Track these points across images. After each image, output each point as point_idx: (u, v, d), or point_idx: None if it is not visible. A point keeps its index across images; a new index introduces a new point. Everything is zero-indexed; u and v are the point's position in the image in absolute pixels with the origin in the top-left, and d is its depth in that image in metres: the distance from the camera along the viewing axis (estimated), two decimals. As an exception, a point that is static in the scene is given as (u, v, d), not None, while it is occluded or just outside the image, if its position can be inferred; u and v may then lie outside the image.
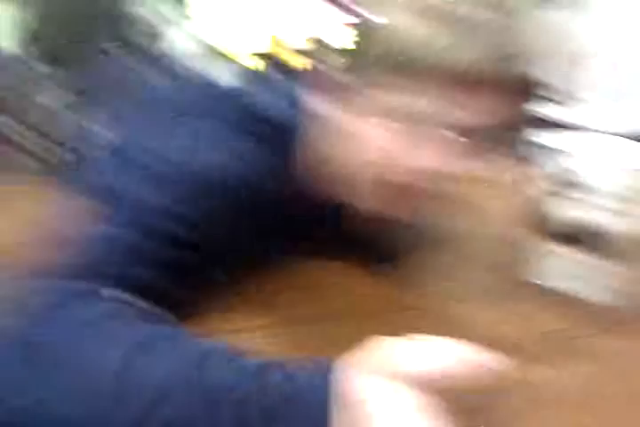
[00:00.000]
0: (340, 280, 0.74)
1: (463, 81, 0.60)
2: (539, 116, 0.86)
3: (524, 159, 0.75)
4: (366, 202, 0.69)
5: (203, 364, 0.43)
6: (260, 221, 0.67)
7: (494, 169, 0.75)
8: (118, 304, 0.48)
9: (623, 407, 0.54)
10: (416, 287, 0.74)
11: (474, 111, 0.62)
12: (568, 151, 0.69)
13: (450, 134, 0.63)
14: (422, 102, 0.61)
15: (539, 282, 0.75)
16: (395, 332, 0.45)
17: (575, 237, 0.71)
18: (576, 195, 0.69)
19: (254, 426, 0.41)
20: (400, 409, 0.40)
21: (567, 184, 0.69)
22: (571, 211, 0.71)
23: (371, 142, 0.64)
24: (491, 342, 0.43)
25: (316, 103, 0.68)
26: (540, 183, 0.71)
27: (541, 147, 0.71)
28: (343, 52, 0.65)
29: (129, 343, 0.43)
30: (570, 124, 0.83)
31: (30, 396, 0.41)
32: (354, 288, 0.73)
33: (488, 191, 1.03)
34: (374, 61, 0.62)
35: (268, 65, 0.78)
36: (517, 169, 0.82)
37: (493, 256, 0.82)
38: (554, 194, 0.71)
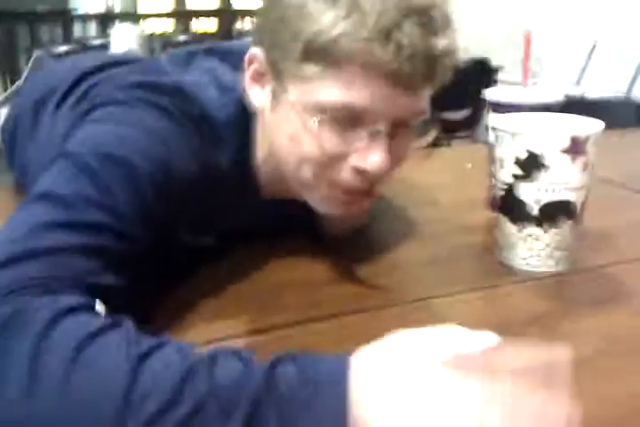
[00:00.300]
0: (329, 277, 0.74)
1: (387, 73, 0.57)
2: (492, 100, 0.88)
3: (486, 144, 0.77)
4: (316, 201, 0.68)
5: (212, 363, 0.43)
6: (195, 210, 0.66)
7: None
8: (113, 316, 0.48)
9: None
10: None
11: (404, 104, 0.61)
12: (527, 132, 0.70)
13: (382, 129, 0.61)
14: (351, 96, 0.59)
15: (515, 264, 0.76)
16: (394, 326, 0.45)
17: (546, 217, 0.73)
18: (542, 175, 0.71)
19: (269, 418, 0.41)
20: (423, 401, 0.40)
21: (531, 166, 0.71)
22: (539, 192, 0.71)
23: (306, 140, 0.62)
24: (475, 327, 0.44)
25: (249, 94, 0.66)
26: (505, 166, 0.72)
27: (500, 130, 0.72)
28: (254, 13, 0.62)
29: (135, 349, 0.43)
30: (522, 104, 0.85)
31: (40, 403, 0.41)
32: (344, 285, 0.72)
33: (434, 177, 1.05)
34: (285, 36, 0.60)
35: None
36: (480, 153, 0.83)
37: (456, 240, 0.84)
38: (520, 176, 0.72)
